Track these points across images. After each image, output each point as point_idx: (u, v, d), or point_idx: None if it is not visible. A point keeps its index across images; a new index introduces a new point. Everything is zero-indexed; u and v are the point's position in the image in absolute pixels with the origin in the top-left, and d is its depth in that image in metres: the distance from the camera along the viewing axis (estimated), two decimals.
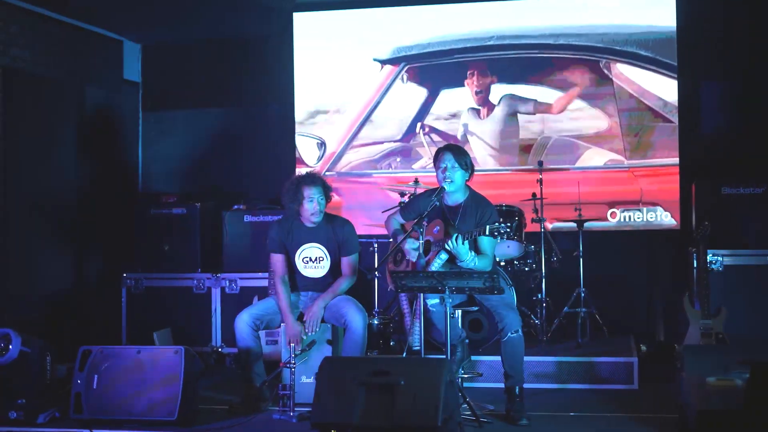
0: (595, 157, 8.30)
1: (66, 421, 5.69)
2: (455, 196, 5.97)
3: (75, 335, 7.56)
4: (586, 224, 7.55)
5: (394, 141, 8.76)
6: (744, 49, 8.06)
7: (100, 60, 8.72)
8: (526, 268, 7.44)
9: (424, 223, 5.71)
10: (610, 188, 8.22)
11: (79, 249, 8.19)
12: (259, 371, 6.20)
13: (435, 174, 6.00)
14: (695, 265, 7.12)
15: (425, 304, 5.87)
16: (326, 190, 6.29)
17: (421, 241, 5.66)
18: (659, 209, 8.14)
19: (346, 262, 6.28)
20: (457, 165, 5.87)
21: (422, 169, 8.57)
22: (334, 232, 6.29)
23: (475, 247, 5.78)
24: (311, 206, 6.19)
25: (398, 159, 8.75)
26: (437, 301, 5.80)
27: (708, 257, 6.97)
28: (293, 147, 8.83)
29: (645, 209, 8.16)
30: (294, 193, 6.26)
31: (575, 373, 6.73)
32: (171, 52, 9.23)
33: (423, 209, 5.98)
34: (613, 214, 8.12)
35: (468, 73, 8.58)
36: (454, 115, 8.63)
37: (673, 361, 7.19)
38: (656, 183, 8.16)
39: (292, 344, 6.01)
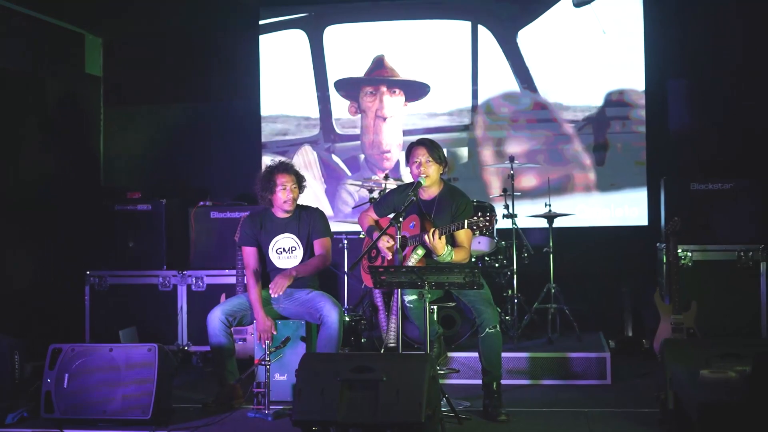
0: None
1: (36, 420, 5.57)
2: (430, 190, 5.93)
3: (36, 333, 7.37)
4: (555, 220, 7.54)
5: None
6: (708, 48, 8.15)
7: (62, 53, 8.53)
8: (497, 264, 7.42)
9: (401, 219, 5.65)
10: (578, 184, 8.26)
11: (41, 246, 7.99)
12: (232, 369, 6.11)
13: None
14: (664, 261, 7.18)
15: (402, 300, 5.82)
16: (299, 179, 6.24)
17: (398, 236, 5.60)
18: (627, 205, 8.18)
19: (318, 243, 6.23)
20: (431, 159, 5.83)
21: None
22: (306, 220, 6.25)
23: (452, 241, 5.75)
24: (284, 194, 6.14)
25: (362, 156, 8.70)
26: (414, 297, 5.75)
27: (677, 252, 7.01)
28: (259, 143, 8.74)
29: (613, 205, 8.21)
30: (267, 181, 6.21)
31: (548, 369, 6.72)
32: (133, 46, 9.05)
33: (397, 204, 5.93)
34: (580, 210, 8.14)
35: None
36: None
37: (643, 356, 7.28)
38: (621, 180, 8.21)
39: (263, 338, 5.94)
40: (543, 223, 7.57)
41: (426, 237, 5.57)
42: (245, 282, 7.01)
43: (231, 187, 8.66)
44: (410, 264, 5.68)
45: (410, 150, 5.91)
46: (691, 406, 3.85)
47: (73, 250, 8.18)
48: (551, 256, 7.47)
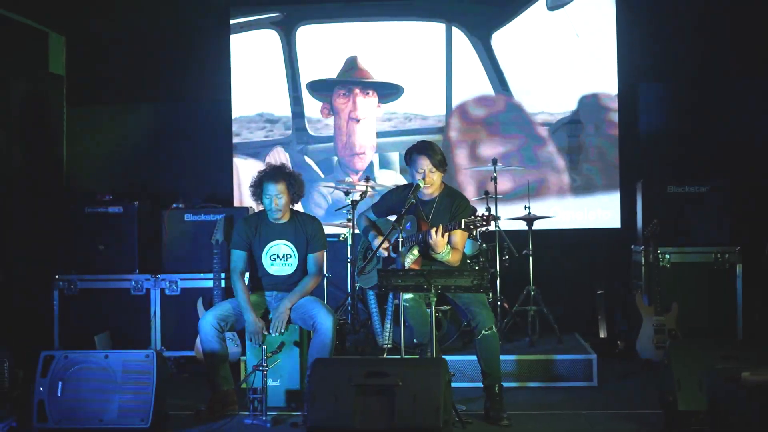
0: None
1: (27, 430, 5.38)
2: (430, 190, 5.92)
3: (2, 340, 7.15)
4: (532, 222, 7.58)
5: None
6: (681, 51, 8.27)
7: (24, 51, 8.27)
8: (477, 266, 7.40)
9: (403, 221, 5.61)
10: (552, 186, 8.30)
11: (6, 249, 7.74)
12: (225, 374, 5.98)
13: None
14: (642, 263, 7.26)
15: (398, 303, 5.76)
16: (290, 184, 6.10)
17: (400, 239, 5.56)
18: (600, 208, 8.26)
19: (313, 259, 6.13)
20: (435, 168, 5.81)
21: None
22: (303, 229, 6.14)
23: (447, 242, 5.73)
24: (267, 203, 6.05)
25: (336, 159, 8.63)
26: (411, 296, 5.70)
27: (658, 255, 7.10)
28: (230, 144, 8.61)
29: (586, 208, 8.28)
30: (257, 187, 6.13)
31: (535, 372, 6.73)
32: (98, 44, 8.80)
33: (396, 205, 5.91)
34: (554, 212, 8.18)
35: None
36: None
37: (619, 357, 7.35)
38: (594, 184, 8.28)
39: (254, 340, 5.86)
40: (520, 225, 7.59)
41: (431, 232, 5.52)
42: (223, 285, 6.98)
43: (200, 189, 8.54)
44: (406, 265, 5.65)
45: (412, 158, 5.86)
46: (733, 407, 3.86)
47: (40, 253, 7.94)
48: (530, 258, 7.49)
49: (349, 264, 7.73)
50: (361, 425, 4.73)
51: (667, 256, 7.35)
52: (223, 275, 7.17)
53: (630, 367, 7.09)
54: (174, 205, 7.80)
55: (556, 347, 7.08)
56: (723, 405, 3.99)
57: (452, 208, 5.84)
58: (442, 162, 5.86)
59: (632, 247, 7.82)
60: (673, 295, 7.06)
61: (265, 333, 5.90)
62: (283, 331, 5.92)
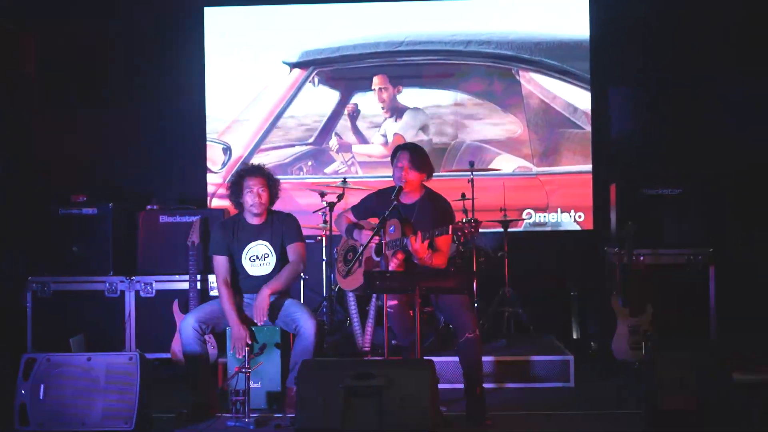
0: (504, 163, 8.43)
1: None
2: (411, 195, 5.94)
3: None
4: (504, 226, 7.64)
5: (306, 144, 8.64)
6: (652, 56, 8.38)
7: None
8: (452, 268, 7.43)
9: (389, 223, 5.63)
10: (521, 194, 8.36)
11: None
12: (207, 377, 5.97)
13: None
14: (617, 264, 7.33)
15: (382, 306, 5.78)
16: (270, 184, 6.13)
17: (383, 241, 5.58)
18: (572, 211, 8.34)
19: (291, 249, 6.13)
20: (413, 165, 5.84)
21: (334, 174, 8.51)
22: (279, 226, 6.16)
23: (431, 246, 5.75)
24: (251, 198, 6.04)
25: (310, 163, 8.63)
26: (396, 302, 5.72)
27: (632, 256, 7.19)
28: (203, 145, 8.58)
29: (559, 210, 8.35)
30: (235, 184, 6.14)
31: (512, 373, 6.77)
32: (69, 44, 8.70)
33: (377, 208, 5.94)
34: (528, 214, 8.28)
35: (373, 86, 8.60)
36: (369, 119, 8.58)
37: (592, 358, 7.42)
38: (566, 187, 8.35)
39: (237, 347, 5.85)
40: (495, 227, 7.66)
41: (411, 240, 5.55)
42: (199, 287, 6.96)
43: (173, 190, 8.51)
44: (391, 268, 5.67)
45: (395, 153, 5.92)
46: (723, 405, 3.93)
47: (13, 255, 7.85)
48: (506, 260, 7.55)
49: (324, 265, 7.73)
50: (349, 427, 4.75)
51: (641, 257, 7.42)
52: (199, 277, 7.14)
53: (605, 367, 7.14)
54: (148, 207, 7.75)
55: (532, 348, 7.13)
56: (714, 404, 4.06)
57: (435, 211, 5.86)
58: (424, 164, 5.88)
59: (605, 248, 7.89)
60: (648, 297, 7.12)
61: (249, 342, 5.89)
62: (265, 318, 5.91)
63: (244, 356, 5.68)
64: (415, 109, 8.51)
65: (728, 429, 3.96)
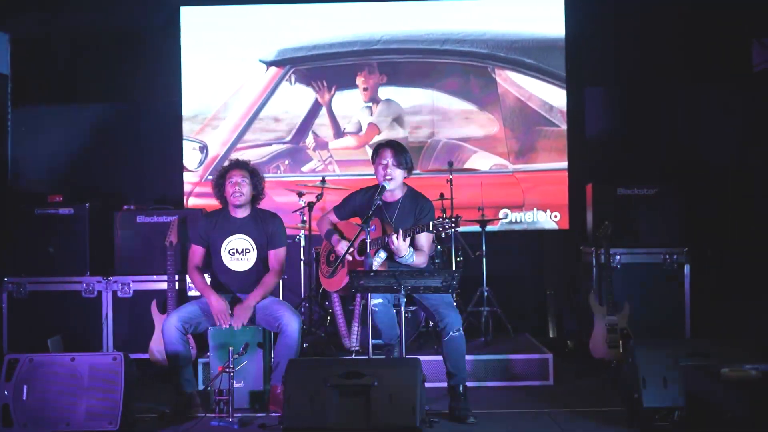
0: (480, 161, 8.47)
1: None
2: (393, 193, 5.97)
3: None
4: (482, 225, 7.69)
5: (283, 143, 8.64)
6: (628, 56, 8.47)
7: None
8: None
9: (370, 223, 5.65)
10: (498, 192, 8.41)
11: None
12: (189, 377, 5.96)
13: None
14: (594, 264, 7.41)
15: (366, 305, 5.79)
16: (254, 177, 6.16)
17: (368, 240, 5.59)
18: (548, 210, 8.41)
19: (274, 255, 6.15)
20: (396, 163, 5.86)
21: (312, 173, 8.51)
22: (264, 225, 6.16)
23: (412, 245, 5.78)
24: (231, 187, 6.06)
25: (287, 162, 8.63)
26: (380, 300, 5.74)
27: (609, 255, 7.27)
28: (180, 146, 8.54)
29: (535, 209, 8.42)
30: (219, 177, 6.17)
31: (491, 371, 6.82)
32: (44, 42, 8.63)
33: (360, 207, 5.96)
34: (504, 213, 8.35)
35: (357, 71, 8.58)
36: (345, 117, 8.59)
37: (568, 356, 7.49)
38: (542, 185, 8.42)
39: (220, 319, 5.88)
40: (473, 226, 7.70)
41: (392, 238, 5.58)
42: (177, 287, 6.94)
43: (149, 189, 8.47)
44: (374, 267, 5.68)
45: (377, 150, 5.94)
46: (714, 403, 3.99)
47: None
48: (484, 259, 7.60)
49: (302, 264, 7.74)
50: (337, 425, 4.76)
51: (618, 257, 7.50)
52: (177, 277, 7.12)
53: (582, 366, 7.21)
54: (125, 207, 7.70)
55: (511, 347, 7.18)
56: (702, 400, 4.12)
57: (416, 210, 5.90)
58: (407, 162, 5.91)
59: (581, 248, 7.96)
60: (624, 296, 7.20)
61: (230, 312, 5.90)
62: (244, 323, 5.91)
63: (227, 357, 5.66)
64: (388, 100, 8.53)
65: (717, 427, 4.01)
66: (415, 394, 4.76)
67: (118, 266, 7.61)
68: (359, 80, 8.58)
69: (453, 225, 5.51)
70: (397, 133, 8.45)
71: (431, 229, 5.53)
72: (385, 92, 8.57)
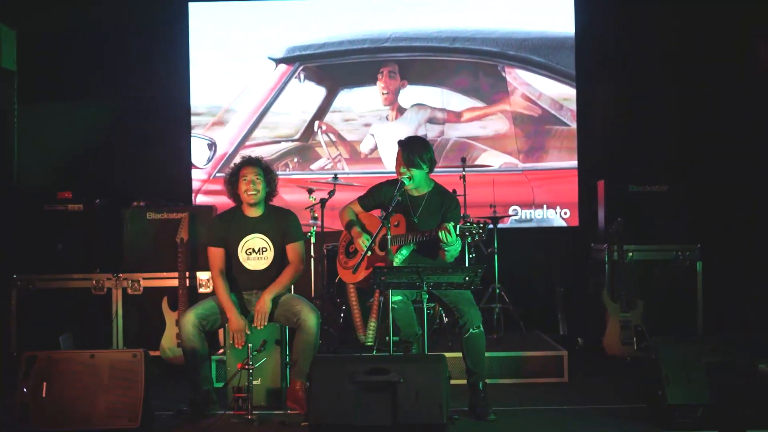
0: (490, 159, 8.46)
1: None
2: (419, 188, 5.93)
3: None
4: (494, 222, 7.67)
5: (292, 140, 8.61)
6: (637, 54, 8.45)
7: None
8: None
9: (394, 219, 5.62)
10: (508, 190, 8.39)
11: None
12: (206, 374, 5.92)
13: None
14: (606, 260, 7.39)
15: (387, 300, 5.75)
16: (267, 175, 6.09)
17: (388, 236, 5.55)
18: (557, 208, 8.40)
19: (291, 249, 6.08)
20: (406, 162, 5.80)
21: (321, 171, 8.49)
22: (277, 222, 6.10)
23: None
24: (245, 185, 5.99)
25: (296, 159, 8.60)
26: (400, 297, 5.71)
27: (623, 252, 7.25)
28: (189, 143, 8.51)
29: (545, 207, 8.40)
30: (233, 175, 6.10)
31: (506, 368, 6.81)
32: (51, 38, 8.56)
33: (385, 201, 5.90)
34: (514, 210, 8.34)
35: (378, 74, 8.55)
36: (355, 115, 8.57)
37: (580, 353, 7.48)
38: (552, 183, 8.41)
39: (236, 339, 5.83)
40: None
41: (441, 235, 5.46)
42: (188, 284, 6.89)
43: (158, 185, 8.41)
44: (396, 264, 5.65)
45: (399, 149, 5.89)
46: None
47: None
48: (496, 256, 7.58)
49: (313, 261, 7.71)
50: (363, 422, 4.73)
51: (630, 253, 7.48)
52: (188, 274, 7.07)
53: (595, 363, 7.20)
54: (135, 203, 7.65)
55: (524, 344, 7.16)
56: (734, 396, 4.10)
57: (442, 207, 5.86)
58: (425, 159, 5.83)
59: (592, 245, 7.95)
60: (636, 292, 7.19)
61: (248, 332, 5.85)
62: (265, 323, 5.87)
63: (246, 351, 5.62)
64: (420, 104, 8.52)
65: (747, 422, 4.00)
66: (442, 391, 4.73)
67: (128, 263, 7.55)
68: (380, 83, 8.55)
69: (480, 232, 5.44)
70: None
71: (458, 233, 5.46)
72: (405, 93, 8.57)
